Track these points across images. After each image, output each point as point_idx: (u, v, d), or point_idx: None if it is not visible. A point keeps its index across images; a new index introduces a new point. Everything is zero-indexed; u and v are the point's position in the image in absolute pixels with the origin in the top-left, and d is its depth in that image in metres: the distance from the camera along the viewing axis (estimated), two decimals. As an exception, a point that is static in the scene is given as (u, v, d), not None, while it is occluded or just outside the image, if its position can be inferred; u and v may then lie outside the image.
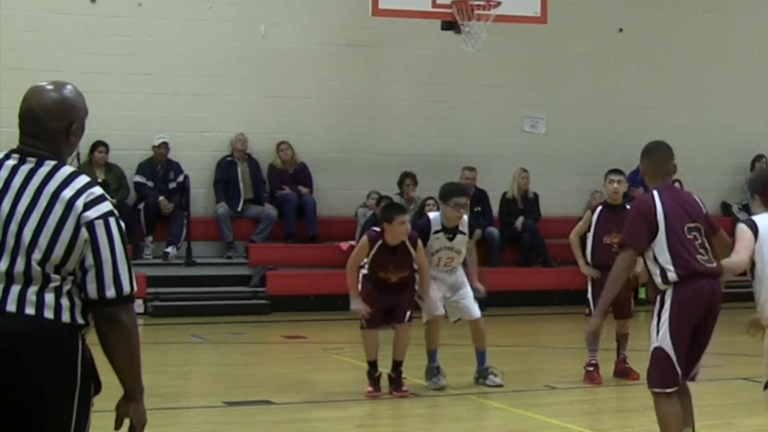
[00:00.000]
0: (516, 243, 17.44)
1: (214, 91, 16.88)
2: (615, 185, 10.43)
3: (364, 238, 9.51)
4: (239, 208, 16.64)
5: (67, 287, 3.78)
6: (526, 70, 18.32)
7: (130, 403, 3.90)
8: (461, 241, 9.74)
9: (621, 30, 18.88)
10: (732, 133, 19.41)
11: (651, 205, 6.45)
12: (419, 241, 9.43)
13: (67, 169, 3.83)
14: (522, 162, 17.75)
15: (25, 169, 3.82)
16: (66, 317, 3.77)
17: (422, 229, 9.61)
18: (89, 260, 3.76)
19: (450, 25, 15.89)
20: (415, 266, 9.44)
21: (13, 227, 3.75)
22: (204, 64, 16.82)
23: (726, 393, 9.77)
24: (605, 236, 10.22)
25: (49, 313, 3.74)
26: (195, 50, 16.78)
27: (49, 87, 3.92)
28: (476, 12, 15.48)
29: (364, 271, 9.45)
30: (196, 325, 14.33)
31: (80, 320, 3.80)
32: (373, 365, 9.44)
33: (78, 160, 15.35)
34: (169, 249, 16.10)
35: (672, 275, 6.44)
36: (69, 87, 3.95)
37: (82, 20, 16.29)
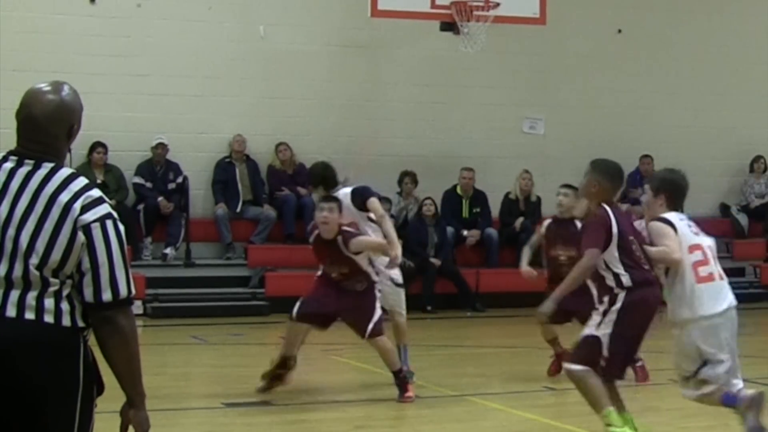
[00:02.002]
0: (515, 244, 17.43)
1: (213, 92, 16.88)
2: (560, 198, 10.45)
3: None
4: (238, 209, 16.64)
5: (66, 291, 3.77)
6: (524, 71, 18.32)
7: (131, 410, 3.89)
8: None
9: (620, 31, 18.88)
10: (731, 134, 19.42)
11: (608, 219, 6.98)
12: (355, 239, 8.99)
13: (65, 171, 3.83)
14: (521, 163, 17.76)
15: (23, 172, 3.81)
16: (66, 321, 3.76)
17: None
18: (86, 264, 3.75)
19: (449, 26, 15.90)
20: (362, 266, 9.05)
21: (11, 231, 3.74)
22: (203, 65, 16.82)
23: (725, 394, 9.75)
24: (551, 249, 10.32)
25: (49, 318, 3.73)
26: (194, 51, 16.78)
27: (48, 90, 3.90)
28: (475, 13, 15.50)
29: (319, 271, 9.31)
30: (195, 326, 14.32)
31: (81, 323, 3.80)
32: (284, 361, 9.16)
33: (70, 157, 15.35)
34: (168, 250, 16.09)
35: (626, 280, 6.98)
36: (67, 88, 3.93)
37: (82, 21, 16.29)
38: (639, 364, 10.13)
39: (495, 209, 17.61)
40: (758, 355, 12.38)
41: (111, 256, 3.78)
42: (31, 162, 3.82)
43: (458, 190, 17.46)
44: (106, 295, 3.76)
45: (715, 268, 7.14)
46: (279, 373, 9.27)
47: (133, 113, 16.45)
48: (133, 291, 3.84)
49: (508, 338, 13.64)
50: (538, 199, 17.71)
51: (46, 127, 3.85)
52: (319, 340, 10.87)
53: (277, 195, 16.76)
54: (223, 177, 16.65)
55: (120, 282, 3.78)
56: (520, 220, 17.31)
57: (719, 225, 19.23)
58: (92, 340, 3.86)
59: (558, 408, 8.63)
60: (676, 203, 7.26)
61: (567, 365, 6.99)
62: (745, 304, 18.79)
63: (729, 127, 19.37)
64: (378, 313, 9.07)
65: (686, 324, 7.00)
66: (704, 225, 21.52)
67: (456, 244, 17.14)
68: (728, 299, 7.09)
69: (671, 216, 7.15)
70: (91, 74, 15.42)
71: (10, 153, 3.87)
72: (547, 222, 10.57)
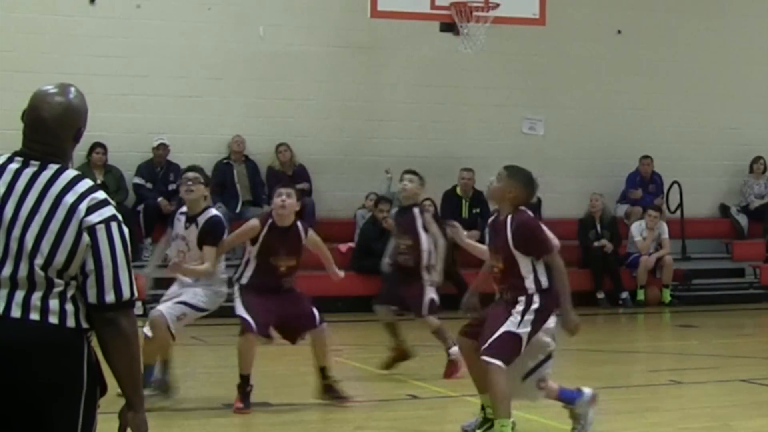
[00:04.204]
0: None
1: (213, 93, 16.90)
2: (404, 183, 10.62)
3: (255, 219, 9.08)
4: (237, 210, 16.64)
5: (71, 292, 3.78)
6: (524, 72, 18.33)
7: (130, 412, 3.89)
8: (193, 235, 8.99)
9: (619, 32, 18.90)
10: (730, 135, 19.43)
11: (535, 219, 7.46)
12: (310, 231, 9.07)
13: (70, 173, 3.83)
14: (520, 164, 17.62)
15: (28, 173, 3.81)
16: (71, 322, 3.77)
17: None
18: (90, 265, 3.76)
19: (449, 27, 15.91)
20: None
21: (16, 232, 3.74)
22: (203, 65, 16.84)
23: (724, 395, 9.78)
24: (395, 238, 10.58)
25: (53, 319, 3.73)
26: (194, 52, 16.80)
27: (56, 93, 3.90)
28: (475, 14, 15.51)
29: (243, 280, 8.93)
30: (195, 326, 14.25)
31: (85, 324, 3.80)
32: (246, 379, 8.73)
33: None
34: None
35: (545, 282, 7.28)
36: (74, 91, 3.94)
37: (81, 22, 16.31)
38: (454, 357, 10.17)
39: (495, 210, 17.60)
40: (759, 356, 12.37)
41: (115, 257, 3.79)
42: (37, 163, 3.82)
43: (458, 190, 17.46)
44: (109, 297, 3.77)
45: None
46: (249, 390, 8.83)
47: (132, 114, 16.47)
48: (136, 293, 3.85)
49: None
50: (539, 200, 17.69)
51: (54, 129, 3.85)
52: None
53: (277, 196, 16.75)
54: (220, 178, 16.64)
55: (123, 284, 3.79)
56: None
57: (719, 225, 19.27)
58: (94, 342, 3.86)
59: (558, 408, 8.60)
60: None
61: (489, 359, 7.11)
62: (744, 304, 18.98)
63: (729, 127, 19.39)
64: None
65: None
66: (704, 225, 21.53)
67: (456, 245, 17.11)
68: None
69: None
70: (90, 75, 15.42)
71: (15, 154, 3.87)
72: (393, 211, 10.83)
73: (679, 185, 18.57)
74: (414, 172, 10.71)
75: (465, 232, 8.66)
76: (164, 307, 8.88)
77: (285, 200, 8.85)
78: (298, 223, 9.00)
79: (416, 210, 10.45)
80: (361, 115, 17.64)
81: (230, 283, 9.16)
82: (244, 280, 8.95)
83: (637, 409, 9.09)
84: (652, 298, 17.43)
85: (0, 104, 14.79)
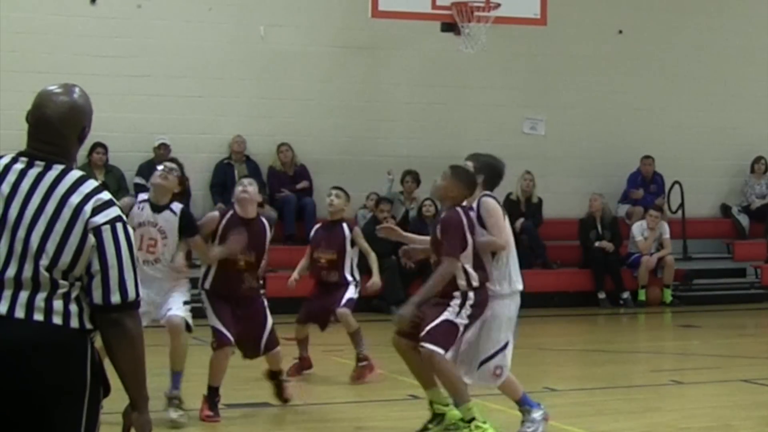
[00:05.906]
0: (516, 245, 17.41)
1: (213, 93, 16.89)
2: (331, 198, 10.58)
3: (214, 212, 8.97)
4: (238, 210, 16.64)
5: (75, 293, 3.78)
6: (525, 72, 18.33)
7: (134, 413, 3.89)
8: (170, 222, 8.45)
9: (621, 32, 18.90)
10: (731, 134, 19.43)
11: (462, 224, 7.45)
12: (269, 234, 8.91)
13: (75, 174, 3.83)
14: (521, 164, 17.75)
15: (33, 173, 3.81)
16: (74, 323, 3.76)
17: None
18: (95, 266, 3.76)
19: (450, 27, 15.91)
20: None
21: (21, 233, 3.74)
22: (204, 65, 16.83)
23: (726, 395, 9.78)
24: (314, 252, 10.52)
25: (57, 319, 3.73)
26: (195, 52, 16.79)
27: (60, 92, 3.91)
28: (476, 14, 15.51)
29: (207, 284, 8.73)
30: (195, 327, 14.28)
31: (89, 325, 3.80)
32: (216, 391, 8.50)
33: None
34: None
35: (475, 282, 7.46)
36: (78, 90, 3.95)
37: (82, 22, 16.31)
38: (364, 363, 10.18)
39: (495, 210, 17.57)
40: (760, 356, 12.38)
41: (120, 258, 3.78)
42: (42, 163, 3.82)
43: (459, 190, 17.44)
44: (115, 298, 3.77)
45: None
46: (217, 401, 8.60)
47: (133, 114, 16.46)
48: (141, 294, 3.85)
49: (509, 339, 13.60)
50: (540, 200, 17.69)
51: (59, 129, 3.86)
52: (319, 341, 10.88)
53: (278, 196, 16.76)
54: (221, 178, 16.64)
55: (128, 284, 3.79)
56: (521, 221, 17.24)
57: (720, 225, 19.28)
58: (98, 342, 3.86)
59: (558, 408, 8.61)
60: (491, 188, 7.84)
61: (429, 346, 7.24)
62: (745, 305, 18.98)
63: (729, 127, 19.39)
64: (270, 322, 8.81)
65: (504, 298, 7.64)
66: (705, 225, 21.50)
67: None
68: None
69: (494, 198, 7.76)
70: (91, 75, 15.39)
71: (20, 154, 3.87)
72: (316, 226, 10.81)
73: (681, 185, 18.57)
74: (340, 188, 10.70)
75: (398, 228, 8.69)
76: (179, 312, 8.50)
77: (246, 187, 8.78)
78: (263, 218, 8.92)
79: (345, 224, 10.52)
80: (362, 115, 17.63)
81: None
82: (208, 284, 8.76)
83: (638, 409, 9.10)
84: (653, 298, 17.43)
85: (0, 104, 14.80)
